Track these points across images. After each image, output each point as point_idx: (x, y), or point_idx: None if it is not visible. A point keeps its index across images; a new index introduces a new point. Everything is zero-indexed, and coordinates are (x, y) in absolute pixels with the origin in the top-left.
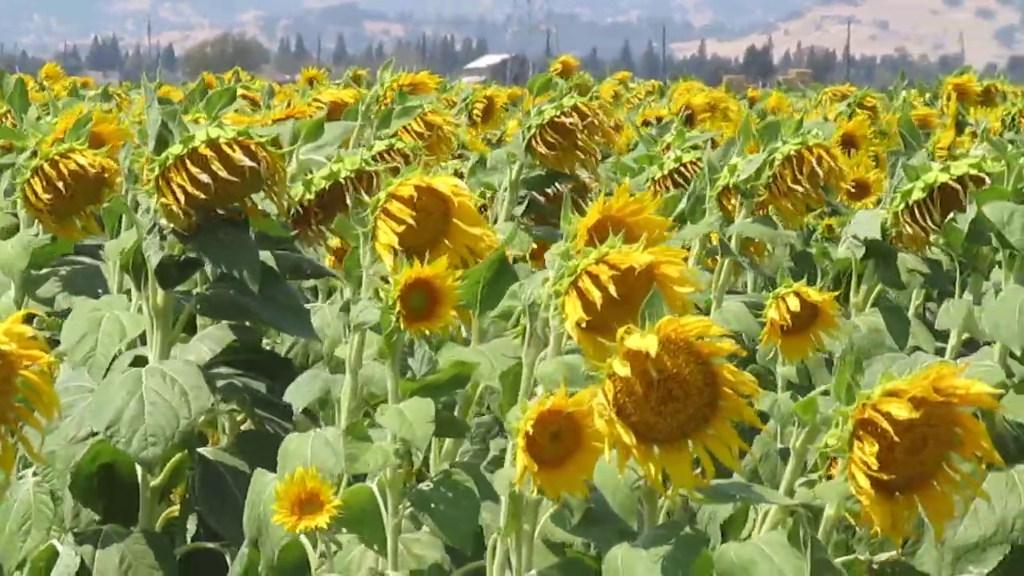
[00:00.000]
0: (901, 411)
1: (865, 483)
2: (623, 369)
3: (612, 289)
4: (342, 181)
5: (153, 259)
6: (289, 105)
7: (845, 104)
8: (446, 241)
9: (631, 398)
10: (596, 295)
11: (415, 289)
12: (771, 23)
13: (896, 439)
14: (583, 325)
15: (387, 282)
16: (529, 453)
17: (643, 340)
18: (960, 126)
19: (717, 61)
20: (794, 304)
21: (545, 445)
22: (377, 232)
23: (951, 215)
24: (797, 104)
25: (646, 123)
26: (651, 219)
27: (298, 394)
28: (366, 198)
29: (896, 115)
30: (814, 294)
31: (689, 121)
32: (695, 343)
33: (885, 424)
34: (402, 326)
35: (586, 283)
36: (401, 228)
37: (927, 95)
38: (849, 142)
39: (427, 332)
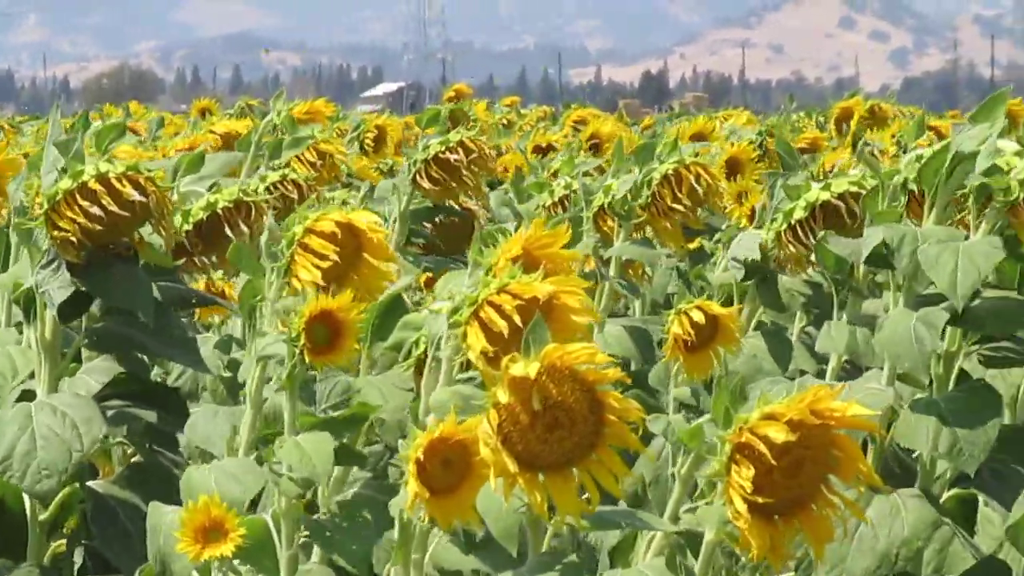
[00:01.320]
0: (778, 434)
1: (742, 507)
2: (505, 396)
3: (517, 319)
4: (220, 212)
5: (56, 295)
6: (177, 135)
7: (755, 133)
8: (354, 276)
9: (516, 427)
10: (501, 325)
11: (319, 322)
12: (666, 48)
13: (774, 462)
14: (489, 355)
15: (288, 315)
16: (421, 480)
17: (525, 367)
18: (855, 147)
19: (613, 86)
20: (698, 317)
21: (436, 473)
22: (295, 267)
23: (822, 236)
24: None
25: (537, 149)
26: (561, 253)
27: (211, 435)
28: (245, 229)
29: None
30: (716, 307)
31: (596, 149)
32: (580, 371)
33: (762, 447)
34: (306, 358)
35: (489, 313)
36: (326, 264)
37: (818, 118)
38: (734, 167)
39: (330, 365)
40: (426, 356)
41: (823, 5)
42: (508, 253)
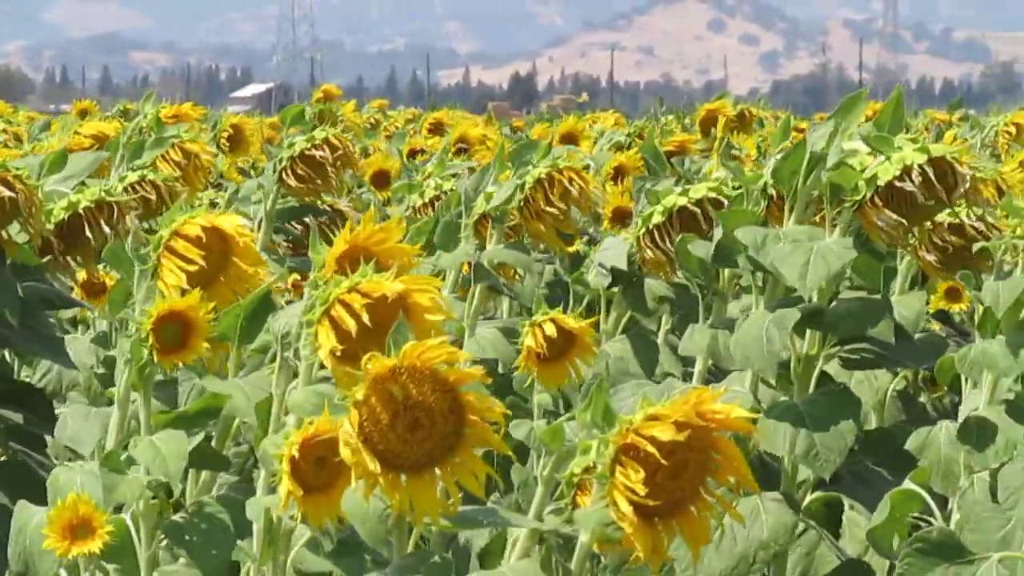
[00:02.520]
0: (665, 434)
1: (628, 509)
2: (362, 393)
3: (366, 317)
4: (81, 212)
5: None
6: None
7: (624, 135)
8: (223, 279)
9: (377, 427)
10: (350, 323)
11: (168, 321)
12: (535, 50)
13: (661, 464)
14: (337, 354)
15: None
16: (294, 479)
17: (382, 363)
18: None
19: (482, 88)
20: (551, 330)
21: (309, 471)
22: (162, 270)
23: (681, 238)
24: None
25: (413, 152)
26: (399, 247)
27: (79, 435)
28: (107, 229)
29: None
30: (570, 321)
31: (463, 152)
32: (440, 371)
33: (651, 448)
34: (155, 358)
35: (339, 312)
36: (192, 268)
37: (685, 120)
38: (620, 173)
39: (180, 364)
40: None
41: (693, 8)
42: (336, 250)
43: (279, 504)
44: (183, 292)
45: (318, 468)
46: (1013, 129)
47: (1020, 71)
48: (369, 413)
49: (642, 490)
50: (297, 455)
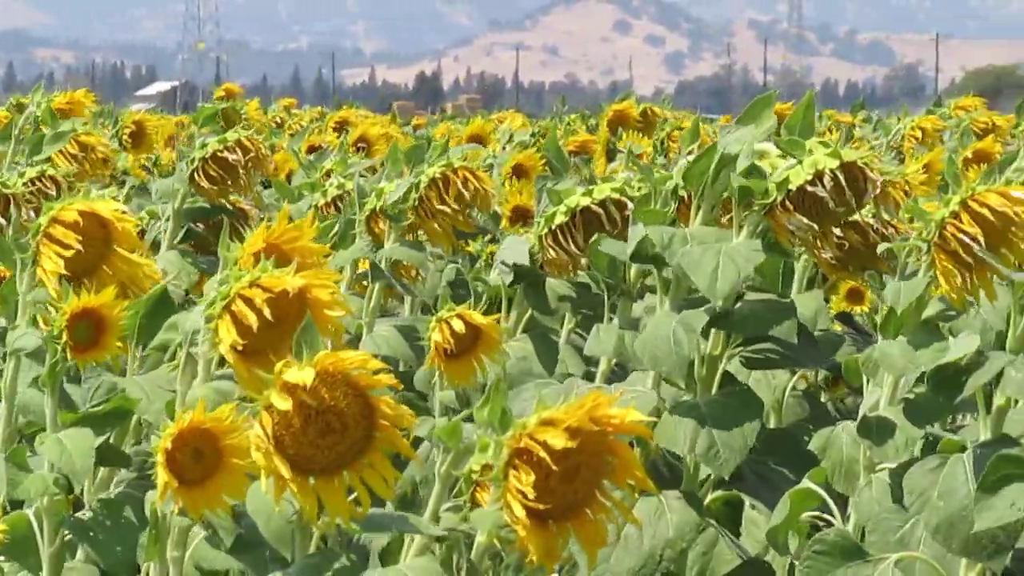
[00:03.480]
0: (558, 440)
1: (521, 513)
2: (282, 403)
3: (267, 312)
4: None
5: None
6: None
7: (528, 135)
8: (105, 267)
9: (289, 430)
10: (252, 318)
11: (81, 319)
12: (441, 50)
13: (553, 469)
14: (239, 349)
15: (47, 308)
16: (171, 471)
17: (300, 373)
18: (612, 153)
19: (388, 87)
20: (459, 326)
21: (187, 464)
22: (41, 258)
23: (595, 238)
24: (464, 130)
25: (311, 149)
26: (309, 246)
27: None
28: (2, 221)
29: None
30: (478, 317)
31: (364, 151)
32: (353, 376)
33: (542, 453)
34: (68, 356)
35: (240, 307)
36: (69, 253)
37: (590, 121)
38: (520, 172)
39: (93, 362)
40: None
41: (598, 9)
42: (251, 247)
43: (158, 496)
44: (67, 280)
45: (195, 461)
46: (919, 133)
47: (924, 74)
48: (281, 417)
49: (533, 494)
50: (171, 447)
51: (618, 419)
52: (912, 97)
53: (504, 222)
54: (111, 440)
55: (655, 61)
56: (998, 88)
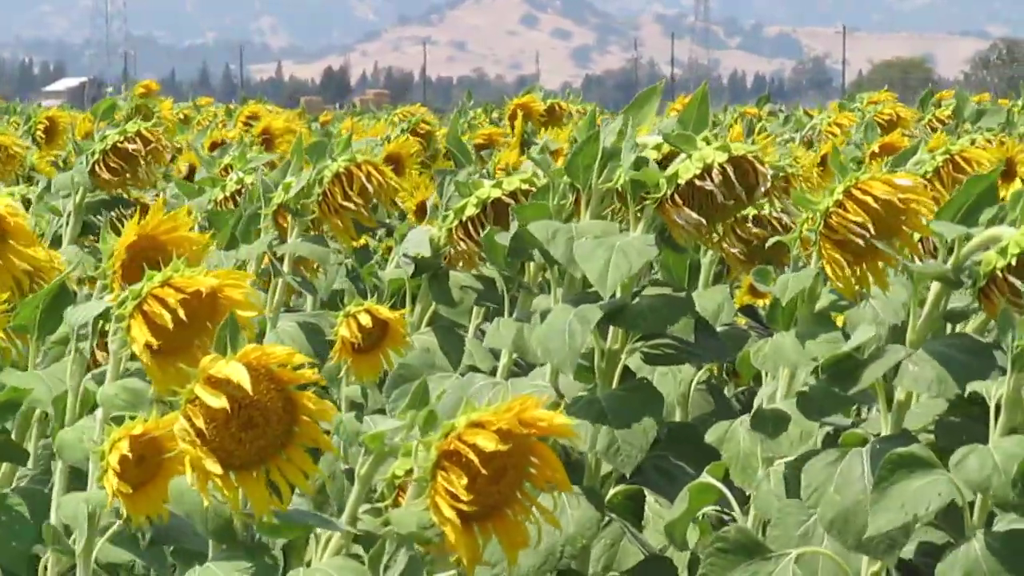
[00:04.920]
0: (487, 443)
1: (451, 513)
2: (214, 399)
3: (181, 312)
4: None
5: None
6: None
7: (402, 128)
8: (1, 263)
9: (212, 424)
10: (166, 318)
11: None
12: (349, 45)
13: (481, 471)
14: (153, 347)
15: None
16: (121, 478)
17: (231, 369)
18: (526, 145)
19: (295, 83)
20: (366, 320)
21: (130, 469)
22: None
23: (487, 231)
24: (370, 125)
25: (214, 145)
26: (187, 236)
27: None
28: None
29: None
30: (385, 311)
31: (268, 145)
32: (277, 371)
33: (472, 455)
34: None
35: (153, 306)
36: None
37: (494, 114)
38: (395, 162)
39: None
40: (94, 351)
41: (506, 3)
42: (126, 239)
43: (105, 501)
44: None
45: (138, 466)
46: (837, 130)
47: (831, 66)
48: (205, 411)
49: (465, 496)
50: (128, 452)
51: (546, 422)
52: (820, 89)
53: (410, 216)
54: (12, 436)
55: (562, 55)
56: (905, 80)
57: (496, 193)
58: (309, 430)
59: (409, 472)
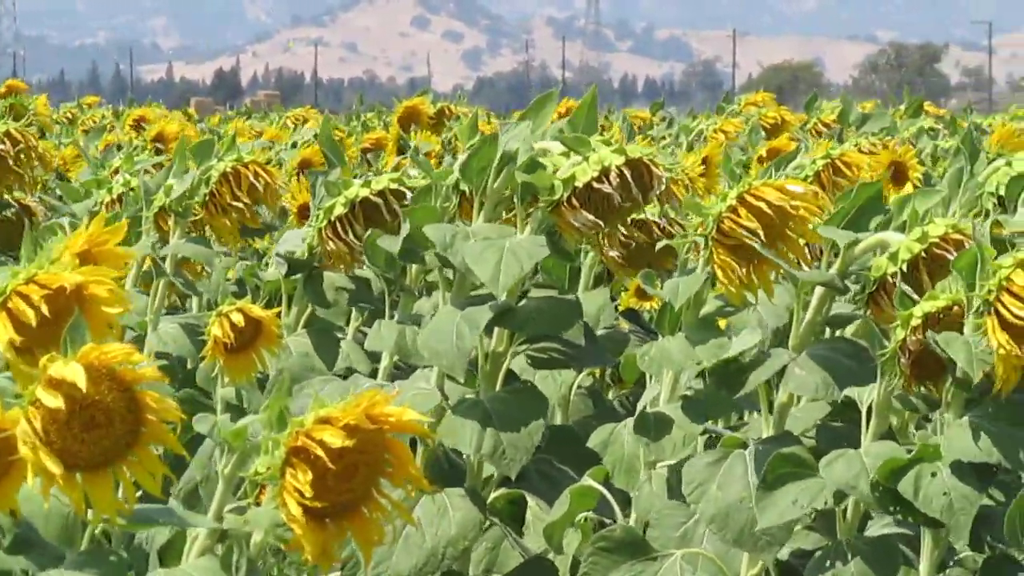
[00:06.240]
0: (335, 439)
1: (297, 511)
2: (52, 400)
3: (45, 309)
4: None
5: None
6: None
7: (313, 134)
8: None
9: (54, 425)
10: (29, 315)
11: None
12: (239, 45)
13: (330, 467)
14: (16, 345)
15: None
16: None
17: (68, 369)
18: (403, 149)
19: (186, 83)
20: (238, 319)
21: None
22: None
23: (369, 233)
24: (260, 126)
25: (108, 147)
26: (115, 251)
27: None
28: None
29: (353, 137)
30: (257, 311)
31: (162, 149)
32: (118, 370)
33: (319, 452)
34: None
35: (17, 303)
36: None
37: (385, 117)
38: (307, 167)
39: None
40: None
41: (397, 4)
42: (72, 248)
43: None
44: None
45: None
46: (722, 135)
47: (722, 69)
48: (47, 411)
49: (310, 492)
50: None
51: (395, 417)
52: (711, 92)
53: (292, 219)
54: None
55: (454, 57)
56: (794, 84)
57: (364, 192)
58: (155, 430)
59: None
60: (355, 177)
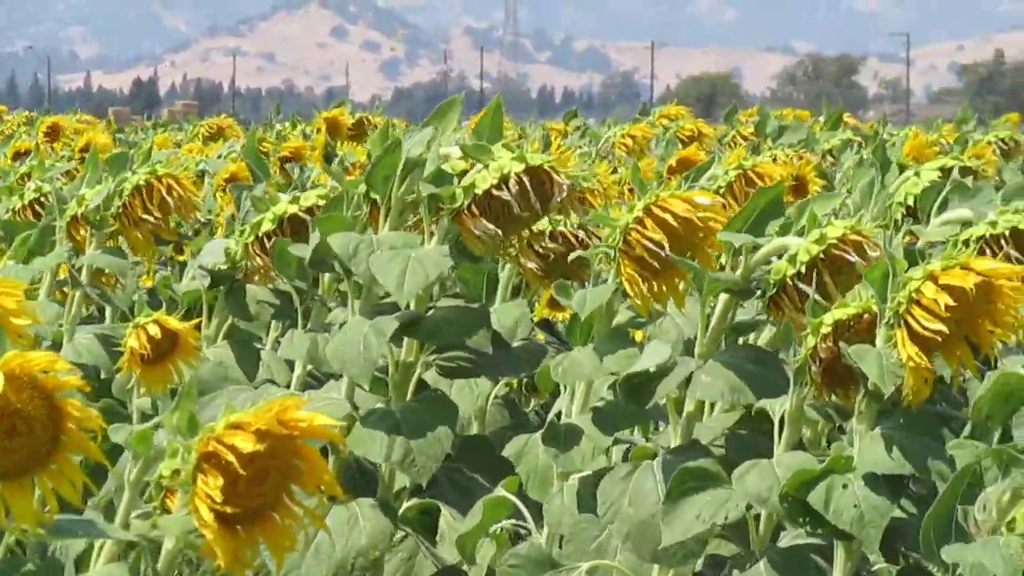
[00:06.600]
0: (245, 444)
1: (209, 517)
2: None
3: None
4: None
5: None
6: None
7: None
8: None
9: None
10: None
11: None
12: (158, 55)
13: (241, 472)
14: None
15: None
16: None
17: None
18: (328, 158)
19: (104, 93)
20: (155, 331)
21: None
22: None
23: (274, 242)
24: (177, 137)
25: (17, 155)
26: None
27: None
28: None
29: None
30: (174, 322)
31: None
32: (40, 378)
33: (230, 457)
34: None
35: None
36: None
37: (301, 127)
38: (235, 181)
39: None
40: None
41: (315, 15)
42: None
43: None
44: None
45: None
46: (629, 141)
47: (640, 81)
48: None
49: (220, 497)
50: None
51: (306, 422)
52: (629, 104)
53: (219, 231)
54: None
55: (372, 68)
56: (713, 95)
57: (293, 209)
58: (76, 438)
59: (175, 474)
60: (280, 190)
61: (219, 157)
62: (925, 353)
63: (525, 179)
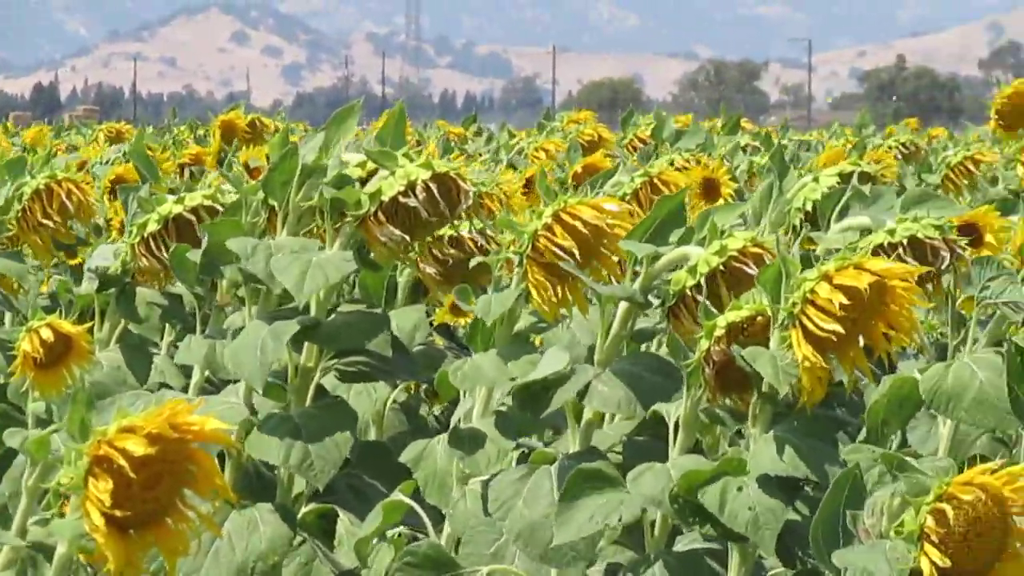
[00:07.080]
0: (136, 447)
1: (100, 521)
2: None
3: None
4: None
5: None
6: None
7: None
8: None
9: None
10: None
11: None
12: (58, 60)
13: (133, 476)
14: None
15: None
16: None
17: None
18: (223, 163)
19: (4, 98)
20: (47, 335)
21: None
22: None
23: (174, 247)
24: (75, 140)
25: None
26: None
27: None
28: None
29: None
30: (67, 326)
31: None
32: None
33: (121, 461)
34: None
35: None
36: None
37: (198, 131)
38: (121, 183)
39: None
40: None
41: (216, 19)
42: None
43: None
44: None
45: None
46: (543, 154)
47: (542, 86)
48: None
49: (111, 501)
50: None
51: (198, 426)
52: (531, 109)
53: (114, 234)
54: None
55: (273, 73)
56: (615, 101)
57: (178, 209)
58: None
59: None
60: (172, 192)
61: (105, 162)
62: (820, 353)
63: (432, 186)
